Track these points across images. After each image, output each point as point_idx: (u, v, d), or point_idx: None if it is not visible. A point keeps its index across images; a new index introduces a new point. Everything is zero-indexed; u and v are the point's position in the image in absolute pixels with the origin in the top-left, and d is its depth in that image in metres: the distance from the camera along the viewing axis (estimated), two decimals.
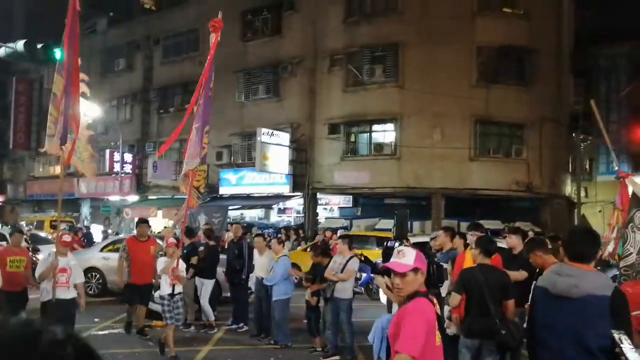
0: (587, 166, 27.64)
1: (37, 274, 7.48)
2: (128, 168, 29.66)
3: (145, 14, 32.44)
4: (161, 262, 8.37)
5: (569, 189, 25.07)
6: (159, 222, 27.33)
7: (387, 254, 7.82)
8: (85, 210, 33.08)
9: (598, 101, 26.09)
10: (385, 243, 9.89)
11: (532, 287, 3.81)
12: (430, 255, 7.13)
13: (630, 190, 5.14)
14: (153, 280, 9.54)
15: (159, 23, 29.92)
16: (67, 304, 7.37)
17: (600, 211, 27.09)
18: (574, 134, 24.53)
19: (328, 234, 16.72)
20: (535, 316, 3.48)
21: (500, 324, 5.17)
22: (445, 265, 7.37)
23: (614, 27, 24.25)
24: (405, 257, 3.14)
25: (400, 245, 7.39)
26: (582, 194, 25.41)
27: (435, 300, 3.24)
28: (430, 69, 20.96)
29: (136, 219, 28.81)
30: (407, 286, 3.12)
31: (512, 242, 7.17)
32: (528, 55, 21.74)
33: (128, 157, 29.74)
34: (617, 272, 6.10)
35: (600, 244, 3.82)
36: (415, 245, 7.64)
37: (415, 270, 3.11)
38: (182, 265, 8.58)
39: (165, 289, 8.18)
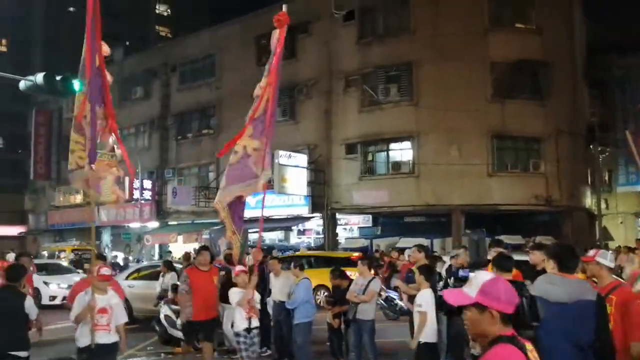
0: (607, 177, 27.38)
1: (72, 316, 6.31)
2: (148, 195, 29.98)
3: (162, 42, 33.11)
4: (235, 293, 7.39)
5: (589, 201, 24.85)
6: (179, 248, 27.55)
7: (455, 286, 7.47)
8: (106, 238, 33.41)
9: (614, 112, 26.14)
10: (449, 270, 9.30)
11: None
12: (519, 285, 6.13)
13: None
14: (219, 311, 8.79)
15: (175, 50, 30.49)
16: (108, 349, 6.25)
17: (621, 222, 26.82)
18: (591, 146, 24.37)
19: (394, 254, 16.52)
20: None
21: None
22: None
23: (627, 38, 24.21)
24: (471, 286, 2.40)
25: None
26: (603, 205, 25.17)
27: (529, 347, 2.35)
28: (444, 86, 21.06)
29: (158, 245, 28.86)
30: (473, 326, 2.39)
31: (535, 259, 7.13)
32: (542, 69, 21.76)
33: (147, 184, 30.08)
34: None
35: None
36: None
37: (478, 306, 2.33)
38: (257, 296, 7.82)
39: (240, 323, 7.30)
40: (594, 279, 4.63)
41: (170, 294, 11.83)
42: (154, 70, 31.06)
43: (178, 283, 12.40)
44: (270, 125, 6.85)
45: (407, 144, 22.35)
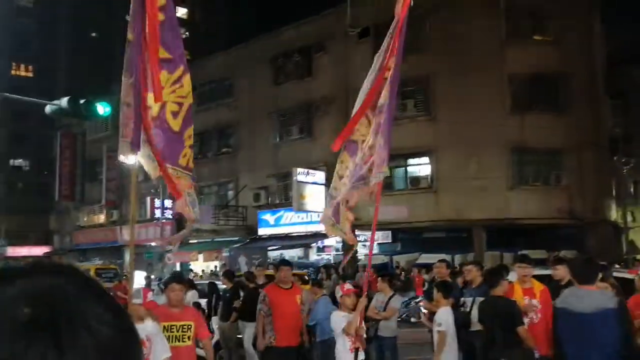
0: (632, 189, 26.84)
1: None
2: (169, 214, 30.21)
3: None
4: (339, 318, 5.99)
5: (614, 213, 24.34)
6: (200, 266, 27.65)
7: None
8: (128, 257, 33.70)
9: (637, 122, 25.69)
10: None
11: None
12: (504, 302, 5.97)
13: None
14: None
15: (193, 72, 30.80)
16: None
17: None
18: (615, 157, 23.96)
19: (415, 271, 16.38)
20: (560, 333, 4.27)
21: (506, 352, 5.27)
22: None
23: None
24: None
25: None
26: (629, 218, 24.66)
27: None
28: (462, 100, 20.95)
29: (184, 263, 28.94)
30: None
31: (559, 274, 6.95)
32: (561, 81, 21.53)
33: (168, 203, 30.33)
34: None
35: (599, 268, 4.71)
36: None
37: None
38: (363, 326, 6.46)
39: (344, 356, 5.93)
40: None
41: None
42: None
43: (199, 301, 12.47)
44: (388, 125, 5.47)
45: (425, 159, 22.23)
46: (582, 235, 21.81)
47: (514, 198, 21.01)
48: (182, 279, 7.95)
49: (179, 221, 29.91)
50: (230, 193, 27.97)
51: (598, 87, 23.56)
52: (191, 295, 12.49)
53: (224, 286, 11.55)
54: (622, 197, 24.79)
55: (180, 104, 5.17)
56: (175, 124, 5.13)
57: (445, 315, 7.34)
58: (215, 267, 26.81)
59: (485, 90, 20.86)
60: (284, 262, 8.18)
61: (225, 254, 26.99)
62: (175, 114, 5.13)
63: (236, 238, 26.72)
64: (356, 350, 5.80)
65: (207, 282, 14.78)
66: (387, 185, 22.87)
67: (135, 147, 4.84)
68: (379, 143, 5.15)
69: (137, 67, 4.80)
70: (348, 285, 6.40)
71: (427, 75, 21.57)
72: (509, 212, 20.74)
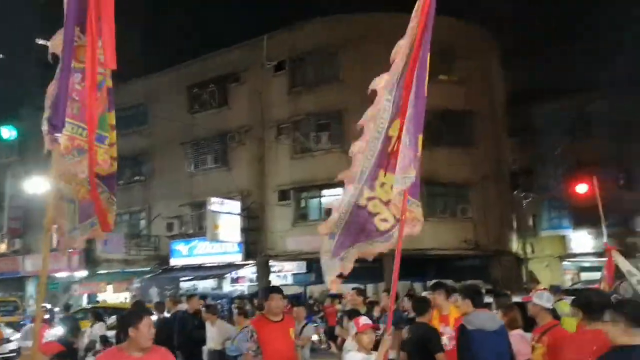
0: (531, 222, 28.48)
1: None
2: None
3: None
4: (354, 358, 4.84)
5: (515, 245, 25.73)
6: (109, 298, 26.56)
7: None
8: (31, 288, 31.79)
9: (535, 158, 27.44)
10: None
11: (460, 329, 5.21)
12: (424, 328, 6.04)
13: (614, 262, 5.33)
14: None
15: None
16: None
17: (547, 265, 27.76)
18: (515, 192, 25.43)
19: (328, 302, 16.46)
20: (478, 350, 4.98)
21: None
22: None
23: (544, 87, 25.74)
24: None
25: None
26: (528, 249, 26.12)
27: None
28: None
29: (86, 295, 27.69)
30: None
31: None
32: (467, 118, 22.76)
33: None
34: None
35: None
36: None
37: None
38: None
39: None
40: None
41: (98, 346, 11.39)
42: None
43: (106, 334, 11.99)
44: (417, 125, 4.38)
45: (339, 190, 22.54)
46: (487, 266, 22.88)
47: (424, 229, 21.37)
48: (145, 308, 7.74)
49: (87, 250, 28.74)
50: (143, 222, 27.23)
51: (499, 125, 25.08)
52: (98, 328, 12.05)
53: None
54: (522, 230, 26.27)
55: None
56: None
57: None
58: (125, 298, 25.85)
59: None
60: (274, 289, 6.52)
61: (136, 285, 26.11)
62: None
63: (148, 268, 25.97)
64: None
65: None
66: (302, 215, 23.18)
67: (56, 128, 3.72)
68: (405, 142, 4.22)
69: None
70: (364, 320, 5.08)
71: (340, 109, 22.16)
72: (419, 242, 21.37)
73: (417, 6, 4.27)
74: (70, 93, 3.78)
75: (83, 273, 28.89)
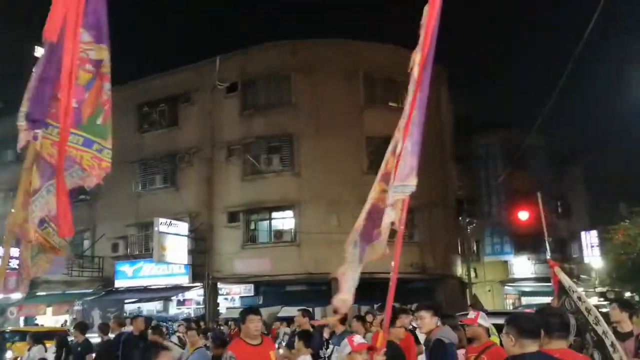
0: (475, 248, 29.36)
1: None
2: (14, 263, 27.78)
3: None
4: None
5: (460, 269, 26.40)
6: (48, 320, 25.61)
7: None
8: None
9: (479, 186, 28.40)
10: None
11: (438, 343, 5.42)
12: None
13: (558, 277, 5.47)
14: None
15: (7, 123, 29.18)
16: None
17: (489, 290, 28.63)
18: (460, 218, 26.19)
19: (277, 324, 16.45)
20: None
21: None
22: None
23: (488, 118, 26.90)
24: None
25: None
26: (472, 274, 26.85)
27: None
28: (323, 158, 21.96)
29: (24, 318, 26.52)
30: None
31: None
32: None
33: (14, 251, 27.91)
34: None
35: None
36: None
37: None
38: None
39: None
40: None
41: None
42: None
43: (45, 357, 11.57)
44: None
45: (288, 213, 22.77)
46: (432, 289, 23.37)
47: None
48: None
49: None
50: (86, 242, 26.50)
51: (446, 152, 25.90)
52: (37, 351, 11.66)
53: (74, 339, 10.79)
54: (466, 255, 27.01)
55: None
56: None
57: None
58: (66, 321, 24.97)
59: (345, 150, 22.09)
60: (251, 310, 5.77)
61: (77, 307, 25.28)
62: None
63: (90, 290, 25.21)
64: None
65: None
66: (251, 238, 23.13)
67: (35, 123, 3.39)
68: (407, 148, 4.04)
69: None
70: (359, 339, 4.65)
71: (291, 133, 22.43)
72: (366, 266, 21.61)
73: (426, 12, 4.07)
74: (56, 92, 3.38)
75: (20, 295, 27.75)
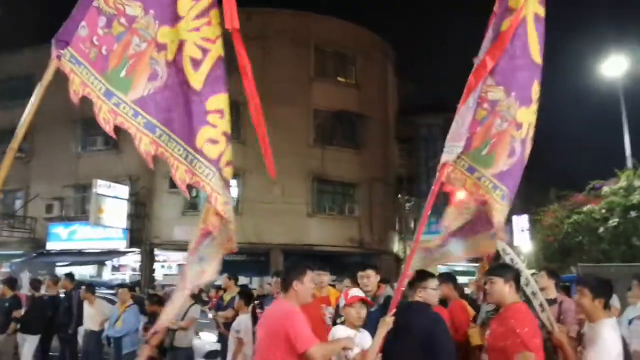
0: (412, 225, 30.15)
1: None
2: None
3: None
4: (342, 335, 4.11)
5: (396, 246, 27.14)
6: None
7: None
8: None
9: (419, 166, 29.13)
10: None
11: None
12: None
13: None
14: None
15: None
16: None
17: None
18: (399, 195, 26.86)
19: (213, 292, 16.41)
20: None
21: None
22: None
23: (431, 100, 27.52)
24: None
25: None
26: (408, 251, 27.59)
27: None
28: (270, 127, 21.28)
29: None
30: None
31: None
32: (359, 121, 23.78)
33: None
34: None
35: None
36: None
37: None
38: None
39: None
40: None
41: None
42: None
43: None
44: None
45: (233, 181, 22.69)
46: (369, 263, 23.93)
47: (312, 225, 22.40)
48: None
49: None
50: (19, 202, 25.53)
51: (389, 131, 26.42)
52: None
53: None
54: (403, 232, 27.75)
55: (204, 50, 3.64)
56: (194, 79, 3.62)
57: (244, 322, 7.70)
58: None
59: (293, 121, 22.16)
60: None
61: (4, 269, 24.38)
62: (196, 64, 3.62)
63: (20, 252, 24.37)
64: None
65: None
66: (192, 205, 22.92)
67: (59, 43, 3.45)
68: (467, 107, 3.98)
69: None
70: (356, 291, 4.39)
71: (238, 100, 22.15)
72: (307, 238, 22.02)
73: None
74: (91, 34, 3.42)
75: None
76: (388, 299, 5.36)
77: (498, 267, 4.15)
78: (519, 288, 3.91)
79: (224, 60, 3.67)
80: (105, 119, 3.41)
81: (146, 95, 3.45)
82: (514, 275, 3.84)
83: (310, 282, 3.88)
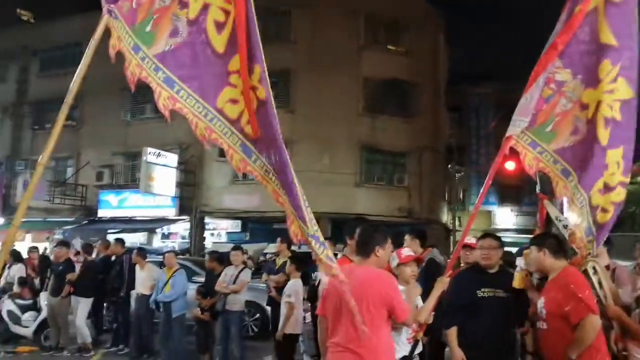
0: (461, 196, 29.57)
1: None
2: None
3: (22, 25, 30.33)
4: None
5: (445, 216, 26.63)
6: (26, 247, 25.33)
7: None
8: None
9: (469, 135, 28.37)
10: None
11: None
12: None
13: (547, 211, 5.54)
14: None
15: (37, 34, 28.18)
16: None
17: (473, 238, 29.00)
18: (449, 165, 26.23)
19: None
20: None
21: None
22: None
23: (481, 69, 26.60)
24: None
25: None
26: (457, 222, 27.13)
27: None
28: (319, 96, 21.57)
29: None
30: None
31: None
32: (409, 89, 23.13)
33: None
34: None
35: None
36: None
37: None
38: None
39: (399, 347, 3.99)
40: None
41: (16, 288, 10.86)
42: (11, 53, 28.43)
43: (25, 276, 11.40)
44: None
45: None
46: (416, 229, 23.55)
47: (360, 194, 22.09)
48: None
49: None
50: (70, 170, 25.97)
51: (440, 100, 25.69)
52: (17, 270, 11.46)
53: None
54: (452, 203, 27.19)
55: (227, 13, 3.52)
56: (218, 42, 3.52)
57: (295, 287, 7.58)
58: (46, 249, 24.71)
59: (342, 90, 21.72)
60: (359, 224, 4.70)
61: (57, 235, 24.97)
62: (219, 27, 3.51)
63: (72, 219, 24.88)
64: (415, 342, 4.15)
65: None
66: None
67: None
68: (537, 85, 4.14)
69: None
70: (407, 251, 4.52)
71: (288, 69, 21.86)
72: (355, 207, 21.73)
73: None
74: None
75: None
76: (430, 261, 6.10)
77: (535, 237, 4.34)
78: (559, 253, 4.00)
79: (253, 22, 3.53)
80: (133, 72, 3.48)
81: (167, 51, 3.44)
82: (548, 242, 3.98)
83: (390, 249, 3.92)
